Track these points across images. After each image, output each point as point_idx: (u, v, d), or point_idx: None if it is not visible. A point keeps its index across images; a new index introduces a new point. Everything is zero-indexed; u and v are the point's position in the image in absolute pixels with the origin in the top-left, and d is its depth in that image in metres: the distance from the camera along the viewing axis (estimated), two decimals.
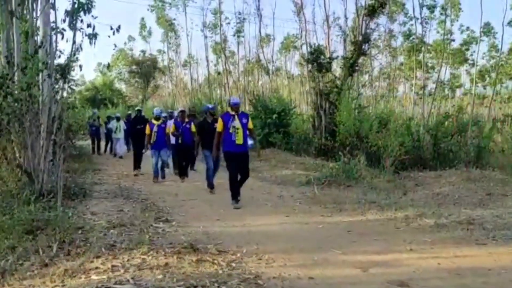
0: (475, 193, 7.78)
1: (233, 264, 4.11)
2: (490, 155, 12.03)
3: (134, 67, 35.05)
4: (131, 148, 14.47)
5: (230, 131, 7.16)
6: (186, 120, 10.45)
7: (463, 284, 3.71)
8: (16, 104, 6.81)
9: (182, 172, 10.42)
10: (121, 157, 15.47)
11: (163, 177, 10.60)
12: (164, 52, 36.24)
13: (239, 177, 7.36)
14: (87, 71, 71.68)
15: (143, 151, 10.99)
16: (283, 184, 9.77)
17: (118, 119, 16.27)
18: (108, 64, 31.19)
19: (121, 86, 38.40)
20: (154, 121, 10.50)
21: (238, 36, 30.74)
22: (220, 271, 3.88)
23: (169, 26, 33.65)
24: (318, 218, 6.26)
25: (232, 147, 7.20)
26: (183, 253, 4.40)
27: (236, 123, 7.21)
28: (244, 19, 29.88)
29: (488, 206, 6.90)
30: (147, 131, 10.41)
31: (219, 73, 31.13)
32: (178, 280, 3.58)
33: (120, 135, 15.91)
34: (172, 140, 10.54)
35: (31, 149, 6.82)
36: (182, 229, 5.56)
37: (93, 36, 6.96)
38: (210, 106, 10.17)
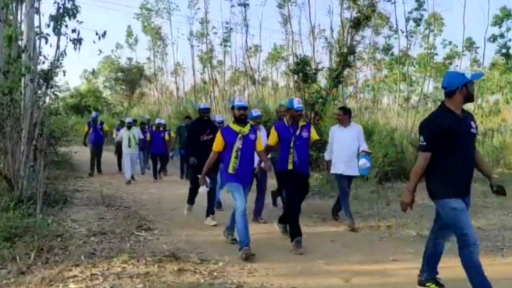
0: None
1: (215, 273, 4.07)
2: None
3: (120, 74, 34.82)
4: (150, 167, 12.64)
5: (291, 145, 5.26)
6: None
7: None
8: None
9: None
10: (132, 179, 11.40)
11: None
12: (152, 60, 36.12)
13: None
14: (72, 78, 71.10)
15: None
16: (267, 193, 9.72)
17: (130, 126, 11.66)
18: (93, 69, 30.96)
19: (107, 93, 38.06)
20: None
21: (225, 46, 30.80)
22: (202, 280, 3.84)
23: (155, 34, 33.58)
24: (302, 228, 6.21)
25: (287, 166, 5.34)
26: (165, 262, 4.34)
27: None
28: (231, 29, 29.93)
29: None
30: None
31: (205, 82, 31.08)
32: None
33: (135, 149, 11.62)
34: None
35: (11, 155, 6.69)
36: (164, 238, 5.50)
37: (77, 42, 6.88)
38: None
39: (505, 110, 23.46)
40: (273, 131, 5.44)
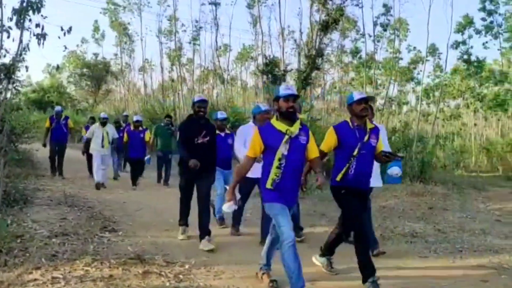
0: (419, 207, 8.09)
1: (181, 276, 4.03)
2: (433, 170, 12.57)
3: (85, 70, 34.01)
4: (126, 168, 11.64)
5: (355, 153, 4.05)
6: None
7: None
8: None
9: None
10: (103, 186, 9.93)
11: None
12: (119, 56, 35.47)
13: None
14: (35, 73, 68.81)
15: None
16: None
17: (105, 122, 10.36)
18: (58, 65, 30.05)
19: (71, 88, 37.08)
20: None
21: (194, 44, 30.59)
22: (167, 283, 3.80)
23: (123, 30, 33.00)
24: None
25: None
26: (129, 264, 4.28)
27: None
28: (200, 27, 29.77)
29: (430, 219, 7.18)
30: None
31: (173, 80, 30.75)
32: None
33: (107, 149, 10.25)
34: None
35: None
36: (129, 239, 5.41)
37: (41, 36, 6.66)
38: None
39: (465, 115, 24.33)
40: (331, 134, 4.16)
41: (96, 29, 36.28)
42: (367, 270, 3.87)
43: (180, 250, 5.03)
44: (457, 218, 7.34)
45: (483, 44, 24.85)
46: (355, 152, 4.01)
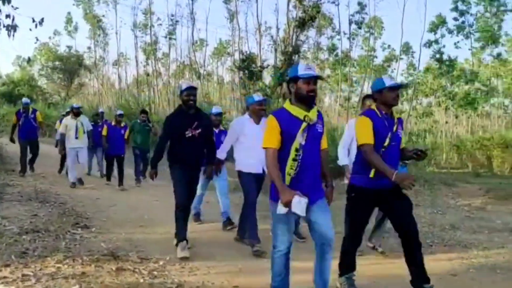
0: None
1: (155, 273, 4.00)
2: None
3: (57, 62, 33.25)
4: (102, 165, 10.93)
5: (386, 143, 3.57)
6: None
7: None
8: None
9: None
10: (80, 182, 9.40)
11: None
12: (92, 49, 34.82)
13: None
14: (5, 65, 66.91)
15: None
16: (213, 190, 9.72)
17: (79, 112, 9.55)
18: (29, 58, 29.31)
19: (42, 82, 36.21)
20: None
21: (170, 38, 30.31)
22: (141, 280, 3.76)
23: (97, 22, 32.40)
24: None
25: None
26: (102, 261, 4.21)
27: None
28: (176, 21, 29.53)
29: None
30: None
31: (148, 74, 30.41)
32: None
33: (83, 142, 9.43)
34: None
35: None
36: (103, 236, 5.33)
37: (12, 28, 6.49)
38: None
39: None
40: (367, 122, 3.56)
41: (69, 21, 35.57)
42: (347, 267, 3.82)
43: (154, 246, 4.98)
44: (428, 214, 7.51)
45: (455, 43, 25.48)
46: (386, 143, 3.53)
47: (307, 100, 3.16)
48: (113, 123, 10.02)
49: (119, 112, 10.54)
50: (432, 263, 4.67)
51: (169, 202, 5.29)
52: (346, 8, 40.55)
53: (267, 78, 18.50)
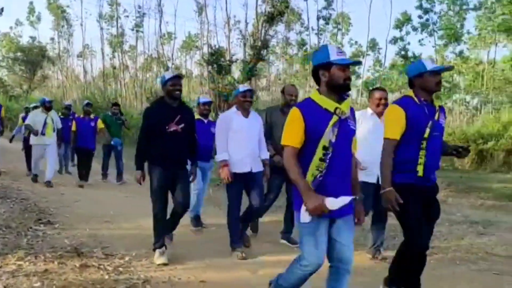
0: None
1: (121, 269, 3.94)
2: None
3: (19, 54, 32.14)
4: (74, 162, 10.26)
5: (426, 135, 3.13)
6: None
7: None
8: None
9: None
10: (49, 184, 8.43)
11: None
12: (56, 41, 33.83)
13: None
14: None
15: None
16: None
17: (50, 107, 8.77)
18: None
19: (3, 73, 34.93)
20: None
21: (137, 31, 29.80)
22: (106, 277, 3.70)
23: (61, 13, 31.47)
24: (212, 220, 6.26)
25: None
26: (66, 258, 4.12)
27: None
28: (144, 13, 29.04)
29: None
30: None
31: (114, 67, 29.80)
32: None
33: (51, 139, 8.62)
34: None
35: None
36: (66, 232, 5.20)
37: None
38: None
39: None
40: (399, 112, 3.15)
41: (32, 11, 34.42)
42: None
43: (120, 242, 4.91)
44: None
45: (419, 40, 26.12)
46: (426, 134, 3.10)
47: (343, 90, 2.66)
48: (81, 116, 9.45)
49: (86, 101, 9.92)
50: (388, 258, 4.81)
51: (137, 197, 5.22)
52: (314, 3, 40.92)
53: (236, 72, 18.46)
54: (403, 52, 24.85)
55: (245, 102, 4.62)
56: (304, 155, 2.64)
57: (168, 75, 4.38)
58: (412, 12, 25.40)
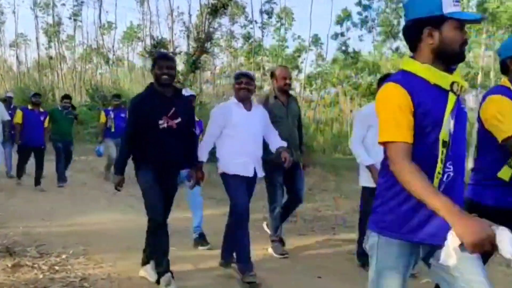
0: None
1: (57, 267, 3.80)
2: (314, 154, 13.43)
3: None
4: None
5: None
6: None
7: (298, 268, 4.07)
8: None
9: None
10: None
11: None
12: None
13: None
14: None
15: None
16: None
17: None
18: None
19: None
20: None
21: (75, 20, 28.57)
22: (41, 276, 3.56)
23: None
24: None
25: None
26: None
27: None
28: (82, 2, 27.88)
29: (310, 199, 7.68)
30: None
31: (51, 58, 28.43)
32: None
33: None
34: None
35: None
36: None
37: None
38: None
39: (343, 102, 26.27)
40: (507, 103, 2.31)
41: None
42: None
43: (57, 240, 4.72)
44: (332, 198, 7.95)
45: (359, 36, 27.01)
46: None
47: (458, 60, 1.81)
48: (29, 107, 8.21)
49: (33, 94, 8.65)
50: (335, 243, 5.01)
51: (76, 194, 5.03)
52: None
53: (180, 65, 18.22)
54: (344, 48, 25.62)
55: (241, 90, 3.72)
56: (415, 157, 1.69)
57: (161, 53, 3.27)
58: (352, 9, 26.24)
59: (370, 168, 3.76)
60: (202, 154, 3.73)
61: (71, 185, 7.76)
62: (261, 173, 3.86)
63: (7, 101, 9.59)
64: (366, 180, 3.87)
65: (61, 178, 8.37)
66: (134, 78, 32.26)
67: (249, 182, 3.78)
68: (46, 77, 28.37)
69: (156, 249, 3.46)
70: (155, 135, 3.37)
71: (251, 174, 3.74)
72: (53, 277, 3.56)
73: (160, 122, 3.36)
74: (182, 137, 3.48)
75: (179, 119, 3.42)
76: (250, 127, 3.71)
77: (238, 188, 3.67)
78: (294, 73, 32.56)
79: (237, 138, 3.67)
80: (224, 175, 3.74)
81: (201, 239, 4.73)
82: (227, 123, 3.69)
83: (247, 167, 3.71)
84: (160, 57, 3.56)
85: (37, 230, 5.13)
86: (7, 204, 6.47)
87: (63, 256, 4.11)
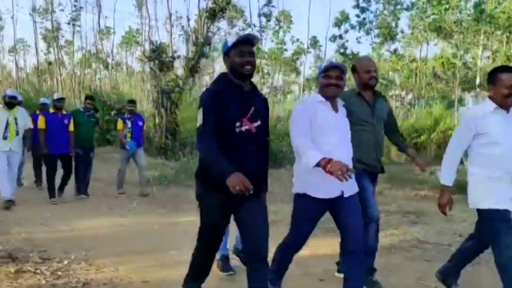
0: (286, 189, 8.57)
1: (59, 273, 3.81)
2: None
3: None
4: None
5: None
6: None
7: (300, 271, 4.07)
8: None
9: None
10: (11, 202, 6.59)
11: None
12: None
13: None
14: None
15: None
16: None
17: (14, 103, 6.79)
18: None
19: None
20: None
21: (74, 25, 28.64)
22: (43, 282, 3.57)
23: None
24: (155, 219, 6.20)
25: None
26: None
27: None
28: (81, 7, 27.95)
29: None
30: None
31: (50, 63, 28.46)
32: None
33: (15, 144, 6.74)
34: None
35: None
36: None
37: None
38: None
39: None
40: None
41: None
42: None
43: (58, 245, 4.73)
44: None
45: (357, 38, 27.08)
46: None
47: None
48: (51, 110, 7.50)
49: (56, 96, 7.75)
50: (330, 245, 5.01)
51: (77, 199, 5.03)
52: (257, 0, 41.23)
53: (180, 69, 18.26)
54: (342, 50, 25.69)
55: (329, 87, 2.87)
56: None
57: (231, 40, 2.62)
58: (350, 11, 26.35)
59: (445, 189, 3.07)
60: (311, 158, 2.65)
61: (72, 189, 7.77)
62: (350, 191, 2.94)
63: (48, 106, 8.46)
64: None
65: (81, 189, 7.73)
66: (133, 82, 32.30)
67: (337, 203, 2.93)
68: (45, 82, 28.40)
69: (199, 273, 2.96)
70: (230, 142, 2.50)
71: (335, 195, 2.89)
72: (56, 282, 3.57)
73: (237, 124, 2.53)
74: (262, 146, 2.69)
75: (259, 122, 2.62)
76: (337, 132, 2.91)
77: (308, 219, 3.04)
78: (294, 75, 32.67)
79: (328, 150, 2.74)
80: (300, 196, 2.98)
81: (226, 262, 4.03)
82: (310, 124, 2.83)
83: (334, 188, 2.82)
84: (241, 41, 2.58)
85: (38, 235, 5.15)
86: (6, 210, 6.48)
87: (65, 262, 4.12)
